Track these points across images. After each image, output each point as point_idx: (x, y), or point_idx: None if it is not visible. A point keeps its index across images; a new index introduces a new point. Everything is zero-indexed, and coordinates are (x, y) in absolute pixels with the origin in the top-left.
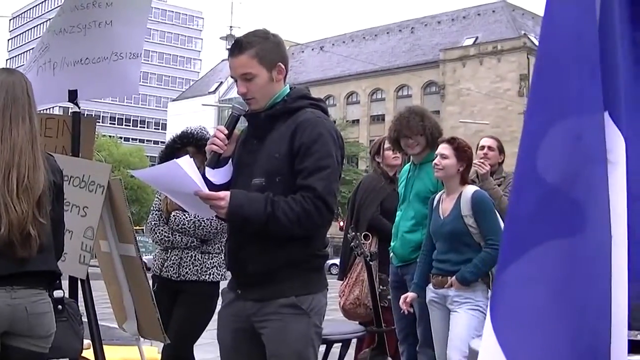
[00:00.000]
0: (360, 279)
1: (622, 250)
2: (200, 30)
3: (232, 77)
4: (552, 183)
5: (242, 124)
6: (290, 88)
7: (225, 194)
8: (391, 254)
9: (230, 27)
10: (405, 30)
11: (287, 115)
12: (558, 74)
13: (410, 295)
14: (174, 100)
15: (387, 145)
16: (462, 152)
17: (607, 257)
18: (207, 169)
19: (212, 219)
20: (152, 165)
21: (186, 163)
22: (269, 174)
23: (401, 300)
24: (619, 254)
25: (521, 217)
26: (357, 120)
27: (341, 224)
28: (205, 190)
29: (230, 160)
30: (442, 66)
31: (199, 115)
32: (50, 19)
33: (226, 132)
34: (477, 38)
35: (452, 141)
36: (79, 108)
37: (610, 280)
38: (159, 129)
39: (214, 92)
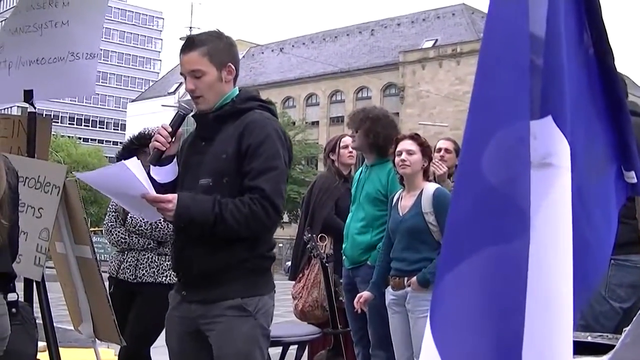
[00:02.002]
0: (318, 281)
1: (566, 256)
2: (160, 31)
3: (181, 74)
4: (496, 187)
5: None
6: (239, 90)
7: (173, 196)
8: (343, 256)
9: (190, 27)
10: (365, 32)
11: (235, 116)
12: (497, 79)
13: (365, 294)
14: (133, 100)
15: (343, 143)
16: (426, 147)
17: (524, 261)
18: (151, 166)
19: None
20: None
21: (134, 165)
22: (216, 174)
23: (355, 300)
24: (563, 259)
25: (463, 222)
26: (317, 122)
27: None
28: (152, 192)
29: (175, 159)
30: (401, 68)
31: (159, 115)
32: (5, 19)
33: (170, 129)
34: (436, 40)
35: (416, 137)
36: (35, 108)
37: (525, 283)
38: (118, 130)
39: (174, 92)
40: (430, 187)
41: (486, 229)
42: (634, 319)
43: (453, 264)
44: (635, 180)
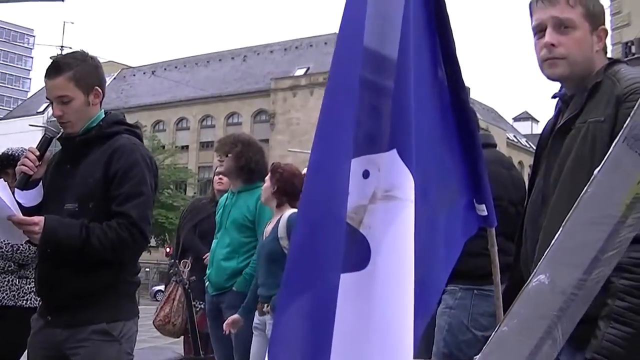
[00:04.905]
0: (172, 298)
1: (407, 285)
2: (31, 49)
3: (47, 98)
4: (335, 217)
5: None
6: (106, 113)
7: (40, 219)
8: (206, 283)
9: (62, 47)
10: (237, 58)
11: (103, 140)
12: (334, 106)
13: (234, 317)
14: (0, 119)
15: (216, 170)
16: (275, 174)
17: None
18: (16, 190)
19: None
20: None
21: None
22: (82, 199)
23: (226, 322)
24: (404, 288)
25: (305, 251)
26: (187, 146)
27: (167, 250)
28: (19, 214)
29: (40, 183)
30: (272, 95)
31: (27, 135)
32: None
33: (37, 153)
34: (308, 68)
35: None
36: None
37: (334, 314)
38: None
39: (43, 112)
40: (287, 213)
41: (327, 258)
42: (483, 348)
43: (295, 292)
44: (486, 213)
